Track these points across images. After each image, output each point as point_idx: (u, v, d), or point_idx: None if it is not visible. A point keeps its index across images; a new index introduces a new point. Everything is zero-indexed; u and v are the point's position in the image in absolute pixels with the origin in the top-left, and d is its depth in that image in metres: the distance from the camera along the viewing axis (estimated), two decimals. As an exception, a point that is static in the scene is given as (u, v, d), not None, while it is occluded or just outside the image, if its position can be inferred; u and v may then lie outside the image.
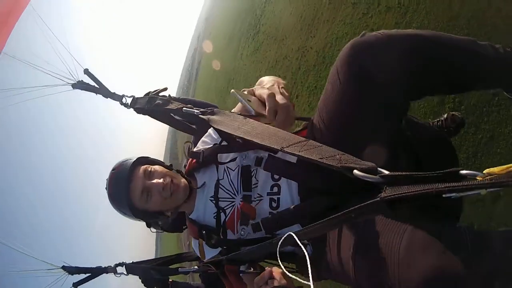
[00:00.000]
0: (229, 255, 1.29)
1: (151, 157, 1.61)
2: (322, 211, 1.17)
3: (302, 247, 0.85)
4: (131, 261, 1.74)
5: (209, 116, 1.29)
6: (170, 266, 1.81)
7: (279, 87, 1.23)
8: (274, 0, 7.54)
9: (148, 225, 1.64)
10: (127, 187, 1.41)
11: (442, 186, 0.58)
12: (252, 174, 1.40)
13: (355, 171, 0.72)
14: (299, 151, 0.88)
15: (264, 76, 1.50)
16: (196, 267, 1.51)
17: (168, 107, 1.51)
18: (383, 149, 1.03)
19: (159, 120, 1.75)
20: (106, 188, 1.51)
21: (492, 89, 1.40)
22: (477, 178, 0.57)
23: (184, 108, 1.43)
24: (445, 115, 1.90)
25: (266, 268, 1.12)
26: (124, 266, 1.68)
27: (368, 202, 0.68)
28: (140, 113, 1.69)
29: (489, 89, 1.42)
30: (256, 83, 1.46)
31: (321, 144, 0.89)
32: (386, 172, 0.69)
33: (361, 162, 0.76)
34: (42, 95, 1.51)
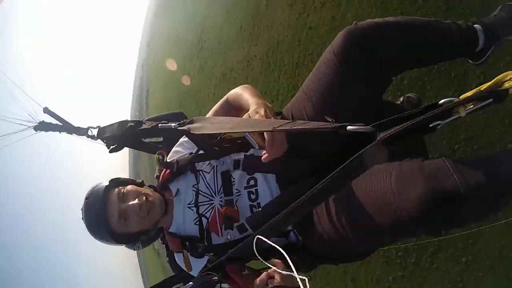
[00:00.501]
0: (228, 253, 1.28)
1: (121, 177, 1.57)
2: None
3: (275, 245, 0.93)
4: None
5: (189, 125, 1.31)
6: None
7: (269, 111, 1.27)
8: (212, 14, 7.62)
9: (129, 247, 1.59)
10: (104, 215, 1.38)
11: (427, 115, 0.69)
12: (232, 179, 1.42)
13: (349, 127, 0.81)
14: (291, 127, 0.95)
15: (214, 90, 1.60)
16: (191, 283, 1.42)
17: (142, 127, 1.51)
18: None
19: (130, 147, 1.72)
20: (82, 219, 1.47)
21: (458, 58, 1.56)
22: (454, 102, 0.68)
23: (160, 125, 1.43)
24: (401, 99, 1.95)
25: (266, 270, 1.13)
26: None
27: (369, 146, 0.75)
28: (109, 143, 1.65)
29: (454, 59, 1.60)
30: (233, 97, 1.51)
31: (307, 121, 0.98)
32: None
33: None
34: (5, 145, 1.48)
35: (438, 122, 0.71)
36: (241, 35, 5.39)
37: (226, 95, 1.55)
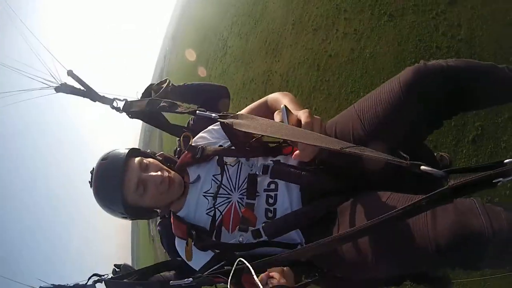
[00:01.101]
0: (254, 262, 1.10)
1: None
2: (324, 214, 1.22)
3: (257, 281, 0.88)
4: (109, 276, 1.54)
5: (233, 120, 1.23)
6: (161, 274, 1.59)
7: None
8: (240, 22, 7.76)
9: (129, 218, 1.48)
10: (121, 179, 1.29)
11: (495, 171, 0.70)
12: (257, 182, 1.36)
13: (422, 167, 0.81)
14: (361, 152, 0.92)
15: (232, 96, 1.49)
16: (190, 278, 1.26)
17: (177, 110, 1.39)
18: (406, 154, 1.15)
19: (156, 126, 1.66)
20: (90, 181, 1.38)
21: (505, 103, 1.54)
22: None
23: (198, 111, 1.33)
24: (434, 153, 2.00)
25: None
26: (103, 282, 1.47)
27: (440, 190, 0.75)
28: (134, 117, 1.57)
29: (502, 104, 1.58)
30: (273, 100, 1.46)
31: (371, 149, 0.95)
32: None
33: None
34: (22, 100, 1.39)
35: (500, 179, 0.76)
36: (265, 49, 5.51)
37: (266, 97, 1.50)
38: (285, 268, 1.11)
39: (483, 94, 1.20)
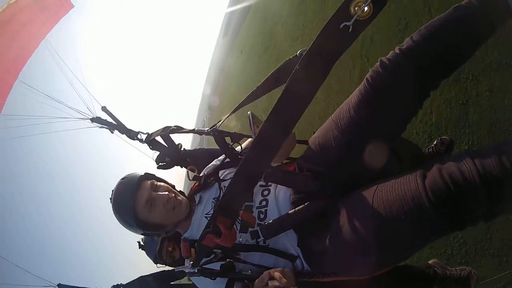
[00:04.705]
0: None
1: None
2: (315, 214, 1.30)
3: None
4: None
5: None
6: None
7: None
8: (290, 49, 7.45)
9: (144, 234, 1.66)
10: (133, 195, 1.46)
11: None
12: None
13: None
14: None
15: None
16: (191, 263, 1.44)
17: (183, 130, 1.71)
18: (386, 149, 1.26)
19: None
20: (110, 198, 1.55)
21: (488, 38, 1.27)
22: None
23: (197, 130, 1.64)
24: (435, 141, 2.03)
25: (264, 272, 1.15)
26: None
27: None
28: (155, 149, 1.81)
29: (485, 42, 1.28)
30: None
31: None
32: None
33: None
34: (61, 128, 1.61)
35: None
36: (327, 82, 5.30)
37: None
38: (285, 268, 1.18)
39: (454, 49, 1.18)
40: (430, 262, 1.87)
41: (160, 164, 1.80)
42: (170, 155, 1.81)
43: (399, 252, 1.20)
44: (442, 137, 2.03)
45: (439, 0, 2.61)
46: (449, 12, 1.19)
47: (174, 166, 1.83)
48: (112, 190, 1.55)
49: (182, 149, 1.84)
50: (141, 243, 2.08)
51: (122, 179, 1.54)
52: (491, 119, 2.02)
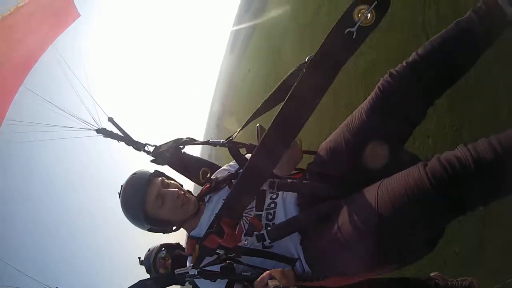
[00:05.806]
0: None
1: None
2: (322, 217, 1.32)
3: None
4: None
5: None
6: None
7: None
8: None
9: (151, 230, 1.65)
10: (145, 190, 1.48)
11: None
12: (266, 196, 1.51)
13: None
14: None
15: None
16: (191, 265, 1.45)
17: (196, 142, 1.73)
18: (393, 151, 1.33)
19: (175, 169, 1.83)
20: (119, 193, 1.56)
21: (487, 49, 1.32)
22: None
23: (211, 141, 1.61)
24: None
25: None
26: None
27: None
28: (160, 163, 1.78)
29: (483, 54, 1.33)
30: None
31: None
32: None
33: None
34: (67, 136, 1.60)
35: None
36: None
37: None
38: (285, 268, 1.19)
39: (459, 61, 1.27)
40: (431, 274, 1.84)
41: (159, 152, 1.78)
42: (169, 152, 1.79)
43: (401, 241, 1.19)
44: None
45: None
46: (450, 27, 1.29)
47: (166, 164, 1.82)
48: (122, 185, 1.57)
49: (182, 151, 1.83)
50: (141, 259, 2.07)
51: (133, 174, 1.57)
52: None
